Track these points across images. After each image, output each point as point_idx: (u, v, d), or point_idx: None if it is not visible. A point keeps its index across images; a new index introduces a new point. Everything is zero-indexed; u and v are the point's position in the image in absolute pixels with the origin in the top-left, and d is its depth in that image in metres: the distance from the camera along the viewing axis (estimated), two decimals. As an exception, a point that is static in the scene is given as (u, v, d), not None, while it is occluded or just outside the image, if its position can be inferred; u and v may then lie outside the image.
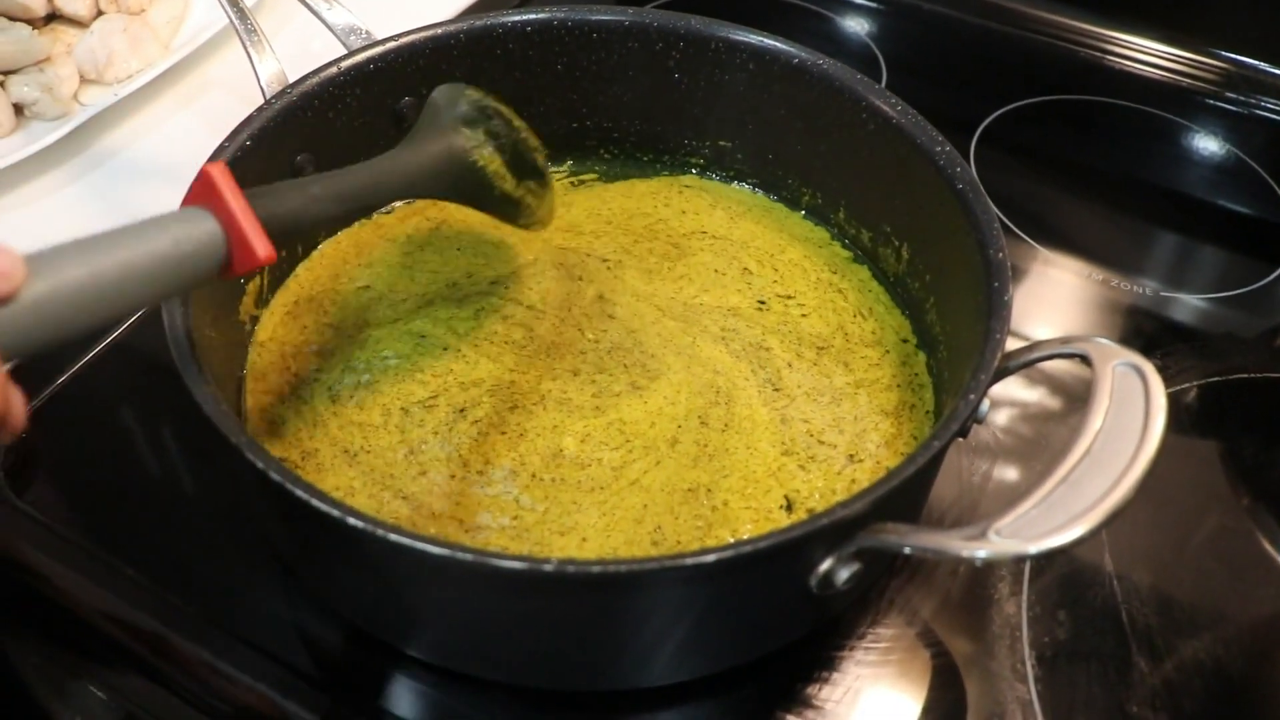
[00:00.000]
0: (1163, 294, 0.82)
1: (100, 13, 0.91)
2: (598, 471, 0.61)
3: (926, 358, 0.68)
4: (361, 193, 0.58)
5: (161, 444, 0.69)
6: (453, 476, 0.61)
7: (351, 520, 0.47)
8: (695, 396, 0.65)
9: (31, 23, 0.89)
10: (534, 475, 0.61)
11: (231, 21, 0.71)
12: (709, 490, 0.61)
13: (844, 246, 0.75)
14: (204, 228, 0.48)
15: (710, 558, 0.46)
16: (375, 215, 0.76)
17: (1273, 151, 0.96)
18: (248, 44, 0.70)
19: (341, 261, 0.73)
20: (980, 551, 0.45)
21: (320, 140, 0.69)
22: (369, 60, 0.70)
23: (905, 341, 0.69)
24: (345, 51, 0.70)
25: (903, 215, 0.70)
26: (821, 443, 0.63)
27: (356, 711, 0.57)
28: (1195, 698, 0.59)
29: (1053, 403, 0.73)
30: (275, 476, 0.48)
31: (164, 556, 0.63)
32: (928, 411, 0.65)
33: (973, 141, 0.93)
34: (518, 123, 0.67)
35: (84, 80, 0.89)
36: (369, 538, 0.47)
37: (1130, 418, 0.48)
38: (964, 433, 0.55)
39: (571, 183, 0.80)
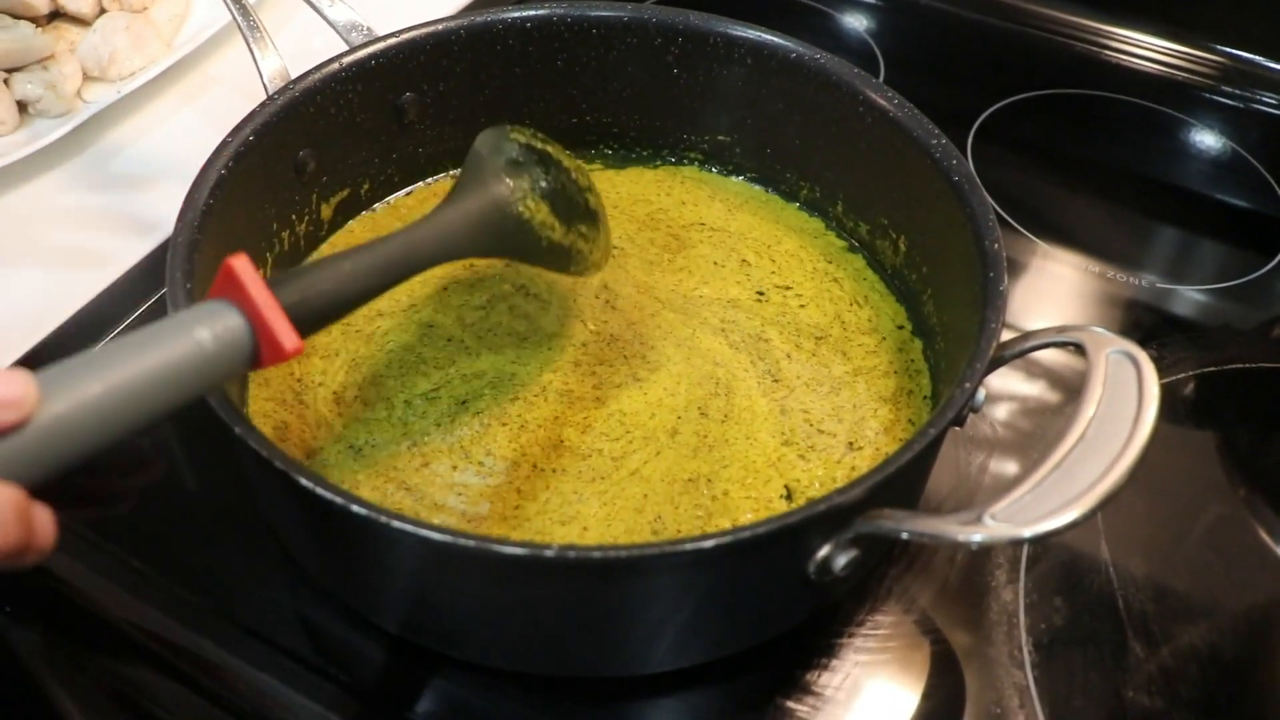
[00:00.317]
0: (1159, 286, 0.83)
1: (103, 10, 0.92)
2: (598, 462, 0.62)
3: (922, 344, 0.69)
4: (396, 264, 0.55)
5: (165, 442, 0.69)
6: (455, 468, 0.62)
7: (355, 508, 0.47)
8: (695, 388, 0.66)
9: (35, 20, 0.90)
10: (535, 466, 0.62)
11: (234, 18, 0.72)
12: (709, 480, 0.61)
13: (838, 236, 0.76)
14: (228, 324, 0.46)
15: (709, 543, 0.46)
16: (393, 199, 0.77)
17: (1269, 145, 0.97)
18: (250, 40, 0.71)
19: (375, 236, 0.74)
20: (976, 536, 0.46)
21: (322, 136, 0.69)
22: (370, 56, 0.70)
23: (901, 328, 0.70)
24: (347, 48, 0.71)
25: (900, 208, 0.71)
26: (821, 432, 0.64)
27: (358, 698, 0.57)
28: (1191, 683, 0.59)
29: (1050, 396, 0.74)
30: (279, 465, 0.49)
31: (169, 551, 0.63)
32: (925, 397, 0.66)
33: (970, 136, 0.94)
34: (567, 162, 0.64)
35: (87, 78, 0.89)
36: (372, 525, 0.47)
37: (1124, 404, 0.49)
38: (960, 421, 0.55)
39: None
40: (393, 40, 0.71)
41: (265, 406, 0.64)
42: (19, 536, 0.41)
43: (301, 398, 0.65)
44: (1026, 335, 0.57)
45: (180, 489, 0.67)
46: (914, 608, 0.62)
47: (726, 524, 0.59)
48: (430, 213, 0.59)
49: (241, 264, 0.47)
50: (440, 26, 0.72)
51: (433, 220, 0.58)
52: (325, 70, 0.68)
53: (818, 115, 0.73)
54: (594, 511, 0.60)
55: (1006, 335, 0.56)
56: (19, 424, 0.40)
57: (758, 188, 0.79)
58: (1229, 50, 1.02)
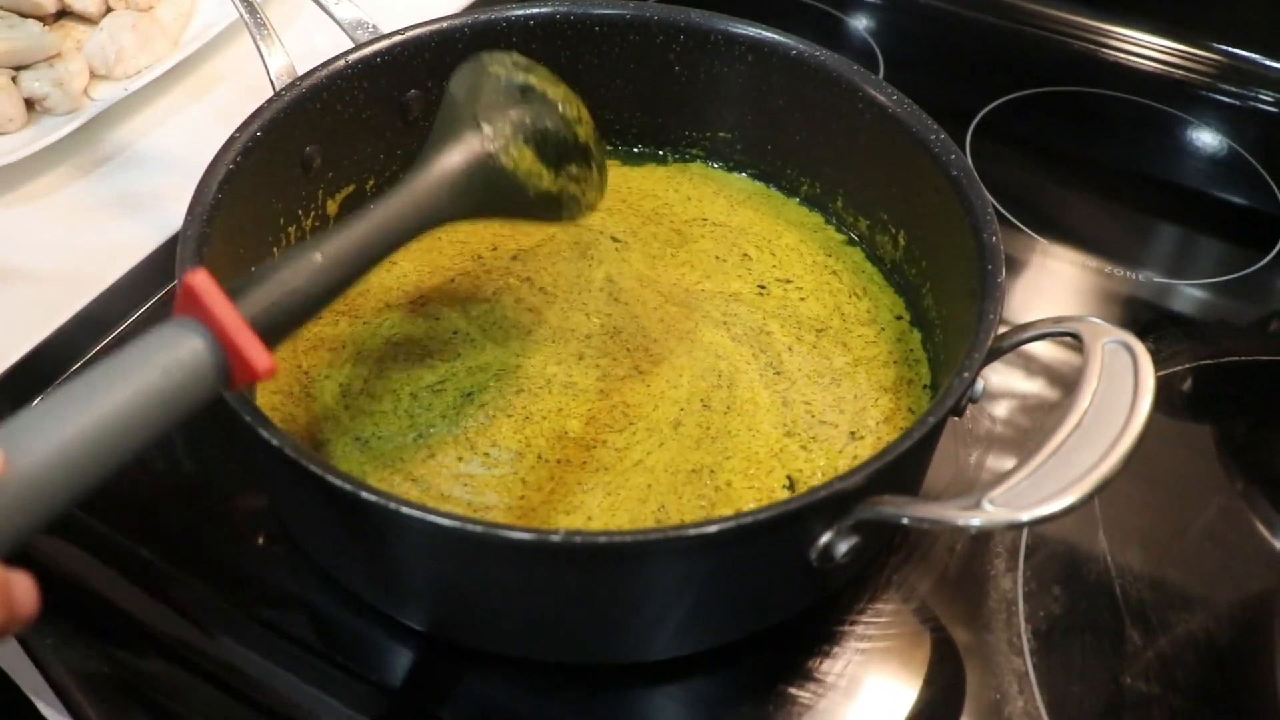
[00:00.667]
0: (1157, 281, 0.83)
1: (109, 9, 0.93)
2: (602, 453, 0.63)
3: (921, 334, 0.70)
4: (371, 246, 0.51)
5: (168, 439, 0.70)
6: (460, 459, 0.62)
7: (365, 494, 0.48)
8: (698, 380, 0.67)
9: (42, 19, 0.90)
10: (540, 457, 0.63)
11: (242, 16, 0.73)
12: (712, 471, 0.62)
13: (838, 230, 0.77)
14: (194, 348, 0.43)
15: (713, 528, 0.47)
16: None
17: (1267, 143, 0.98)
18: (257, 38, 0.72)
19: None
20: (975, 520, 0.46)
21: (328, 132, 0.70)
22: (376, 54, 0.71)
23: (899, 318, 0.71)
24: (352, 45, 0.72)
25: (899, 203, 0.71)
26: (823, 423, 0.65)
27: (367, 684, 0.58)
28: (1188, 669, 0.60)
29: (1047, 393, 0.74)
30: (290, 453, 0.49)
31: (182, 546, 0.64)
32: (924, 386, 0.67)
33: (969, 133, 0.94)
34: (553, 92, 0.59)
35: (94, 76, 0.90)
36: (382, 511, 0.48)
37: (1119, 392, 0.50)
38: (959, 411, 0.56)
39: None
40: (398, 38, 0.72)
41: (273, 400, 0.65)
42: (1, 615, 0.38)
43: (308, 390, 0.66)
44: (1024, 326, 0.58)
45: (190, 482, 0.68)
46: (914, 596, 0.62)
47: (729, 513, 0.60)
48: (404, 178, 0.54)
49: (201, 281, 0.43)
50: (445, 24, 0.73)
51: (408, 188, 0.54)
52: (332, 67, 0.69)
53: (818, 112, 0.74)
54: (598, 502, 0.60)
55: (1004, 329, 0.57)
56: None
57: (759, 184, 0.80)
58: (1227, 49, 1.03)
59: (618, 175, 0.80)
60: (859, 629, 0.61)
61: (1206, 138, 0.98)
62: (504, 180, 0.56)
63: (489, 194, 0.56)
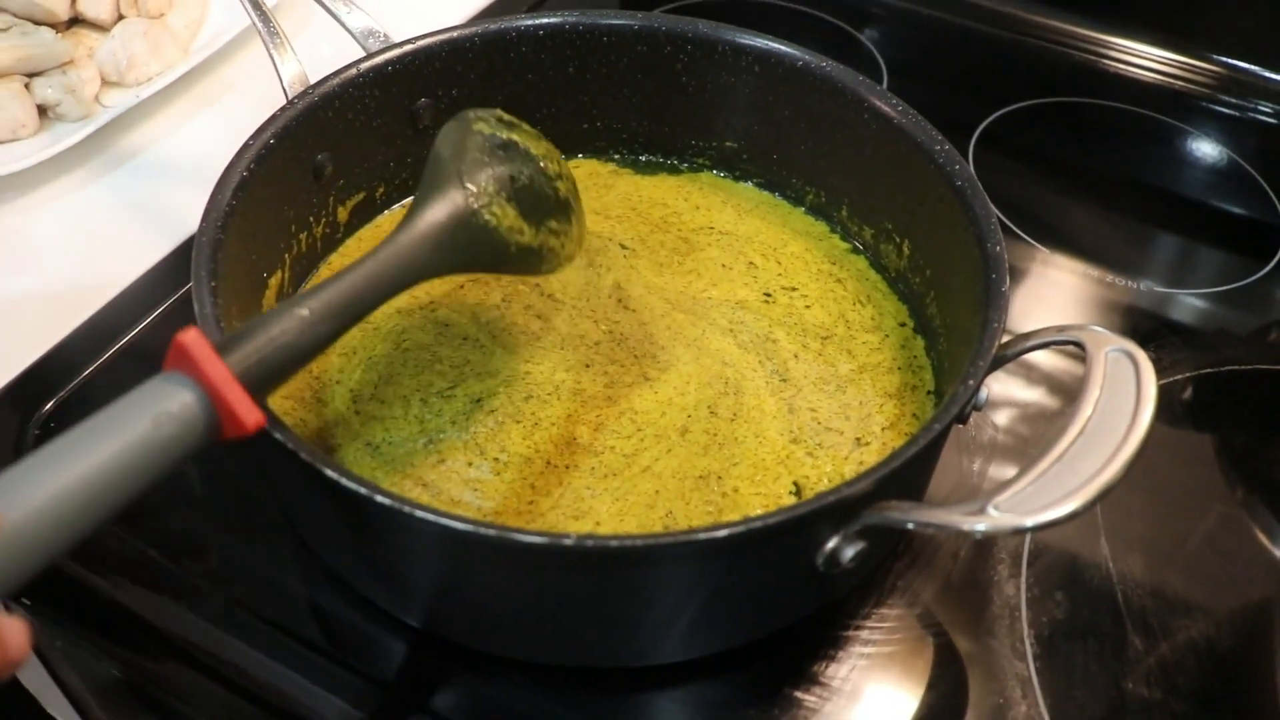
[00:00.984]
0: (1158, 291, 0.84)
1: (121, 17, 0.94)
2: (610, 459, 0.63)
3: (924, 341, 0.71)
4: (356, 302, 0.53)
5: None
6: (470, 464, 0.63)
7: (379, 498, 0.49)
8: (705, 387, 0.67)
9: (55, 26, 0.91)
10: (549, 462, 0.63)
11: (254, 24, 0.73)
12: (719, 477, 0.63)
13: (842, 239, 0.78)
14: (184, 402, 0.45)
15: (722, 533, 0.48)
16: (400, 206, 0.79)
17: (1266, 154, 0.98)
18: (270, 46, 0.73)
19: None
20: (980, 525, 0.47)
21: (340, 140, 0.71)
22: (387, 62, 0.72)
23: (903, 325, 0.72)
24: (364, 54, 0.72)
25: (903, 212, 0.72)
26: (829, 429, 0.65)
27: (377, 688, 0.59)
28: (1189, 675, 0.61)
29: (1049, 402, 0.75)
30: (305, 456, 0.50)
31: (187, 544, 0.65)
32: (929, 392, 0.67)
33: (971, 143, 0.95)
34: (535, 148, 0.61)
35: (106, 83, 0.91)
36: (396, 515, 0.49)
37: (1122, 400, 0.51)
38: (963, 418, 0.57)
39: (613, 170, 0.82)
40: (409, 47, 0.73)
41: (284, 405, 0.65)
42: None
43: (319, 396, 0.66)
44: (1028, 334, 0.58)
45: (198, 483, 0.68)
46: (918, 602, 0.63)
47: (737, 519, 0.61)
48: (392, 233, 0.56)
49: (193, 339, 0.45)
50: (455, 33, 0.74)
51: (394, 245, 0.56)
52: (344, 75, 0.70)
53: (823, 122, 0.75)
54: (606, 507, 0.61)
55: (1007, 338, 0.58)
56: None
57: (766, 193, 0.81)
58: (1226, 60, 1.04)
59: (629, 184, 0.81)
60: (863, 634, 0.61)
61: (1206, 148, 0.99)
62: (486, 236, 0.58)
63: (472, 250, 0.58)
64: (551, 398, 0.66)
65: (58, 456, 0.42)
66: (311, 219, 0.72)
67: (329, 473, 0.49)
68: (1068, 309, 0.83)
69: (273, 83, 0.72)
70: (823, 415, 0.66)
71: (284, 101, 0.68)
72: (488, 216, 0.58)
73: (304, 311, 0.50)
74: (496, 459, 0.63)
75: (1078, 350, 0.55)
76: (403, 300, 0.71)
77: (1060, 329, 0.57)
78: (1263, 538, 0.69)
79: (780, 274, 0.75)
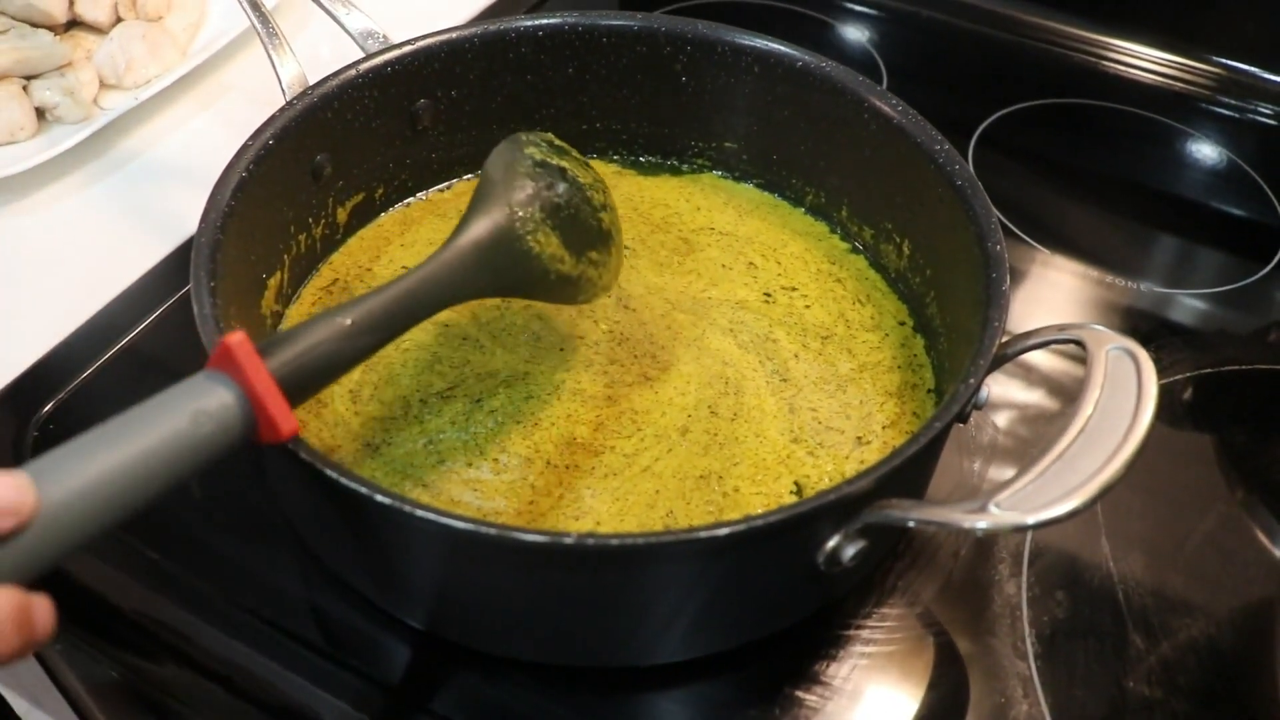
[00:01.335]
0: (1157, 291, 0.84)
1: (119, 19, 0.94)
2: (611, 459, 0.63)
3: (924, 340, 0.71)
4: (397, 316, 0.54)
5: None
6: (470, 465, 0.63)
7: (379, 497, 0.48)
8: (705, 387, 0.67)
9: (53, 29, 0.91)
10: (548, 462, 0.63)
11: (253, 25, 0.73)
12: (720, 477, 0.63)
13: (841, 238, 0.78)
14: (224, 402, 0.46)
15: (723, 531, 0.48)
16: (428, 193, 0.79)
17: (1265, 155, 0.98)
18: (269, 47, 0.73)
19: (384, 242, 0.75)
20: (981, 523, 0.47)
21: (339, 141, 0.71)
22: (386, 63, 0.72)
23: (902, 324, 0.72)
24: (363, 55, 0.72)
25: (903, 212, 0.72)
26: (829, 428, 0.65)
27: (378, 689, 0.59)
28: (1190, 674, 0.61)
29: (1049, 403, 0.75)
30: (305, 456, 0.50)
31: (188, 545, 0.64)
32: (929, 390, 0.67)
33: (971, 145, 0.95)
34: (584, 177, 0.62)
35: (104, 85, 0.91)
36: (395, 514, 0.49)
37: (1123, 398, 0.50)
38: (964, 417, 0.57)
39: (616, 171, 0.82)
40: (408, 48, 0.73)
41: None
42: (18, 643, 0.40)
43: (318, 397, 0.66)
44: (1029, 333, 0.58)
45: (198, 484, 0.68)
46: (919, 602, 0.63)
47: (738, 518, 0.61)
48: (435, 252, 0.57)
49: (239, 342, 0.46)
50: (454, 34, 0.74)
51: (438, 261, 0.56)
52: (343, 76, 0.70)
53: (823, 122, 0.75)
54: (607, 507, 0.61)
55: (1007, 338, 0.58)
56: (17, 530, 0.40)
57: (768, 194, 0.81)
58: (1226, 62, 1.04)
59: (632, 185, 0.81)
60: (864, 634, 0.61)
61: (1206, 150, 0.99)
62: (528, 262, 0.59)
63: (512, 273, 0.59)
64: (551, 398, 0.66)
65: (96, 445, 0.43)
66: (310, 220, 0.72)
67: (329, 473, 0.49)
68: (1068, 310, 0.83)
69: (272, 84, 0.72)
70: (823, 414, 0.66)
71: (283, 102, 0.68)
72: (531, 243, 0.58)
73: (346, 321, 0.51)
74: (496, 459, 0.63)
75: (1078, 349, 0.55)
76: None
77: (1061, 328, 0.57)
78: (1263, 537, 0.69)
79: (780, 274, 0.75)
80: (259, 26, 0.73)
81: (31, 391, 0.71)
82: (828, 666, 0.60)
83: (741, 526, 0.48)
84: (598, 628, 0.56)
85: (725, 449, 0.64)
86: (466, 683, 0.59)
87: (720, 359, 0.69)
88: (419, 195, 0.79)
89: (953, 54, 1.09)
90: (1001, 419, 0.73)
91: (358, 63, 0.71)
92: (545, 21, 0.76)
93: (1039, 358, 0.77)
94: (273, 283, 0.68)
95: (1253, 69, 1.03)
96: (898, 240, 0.73)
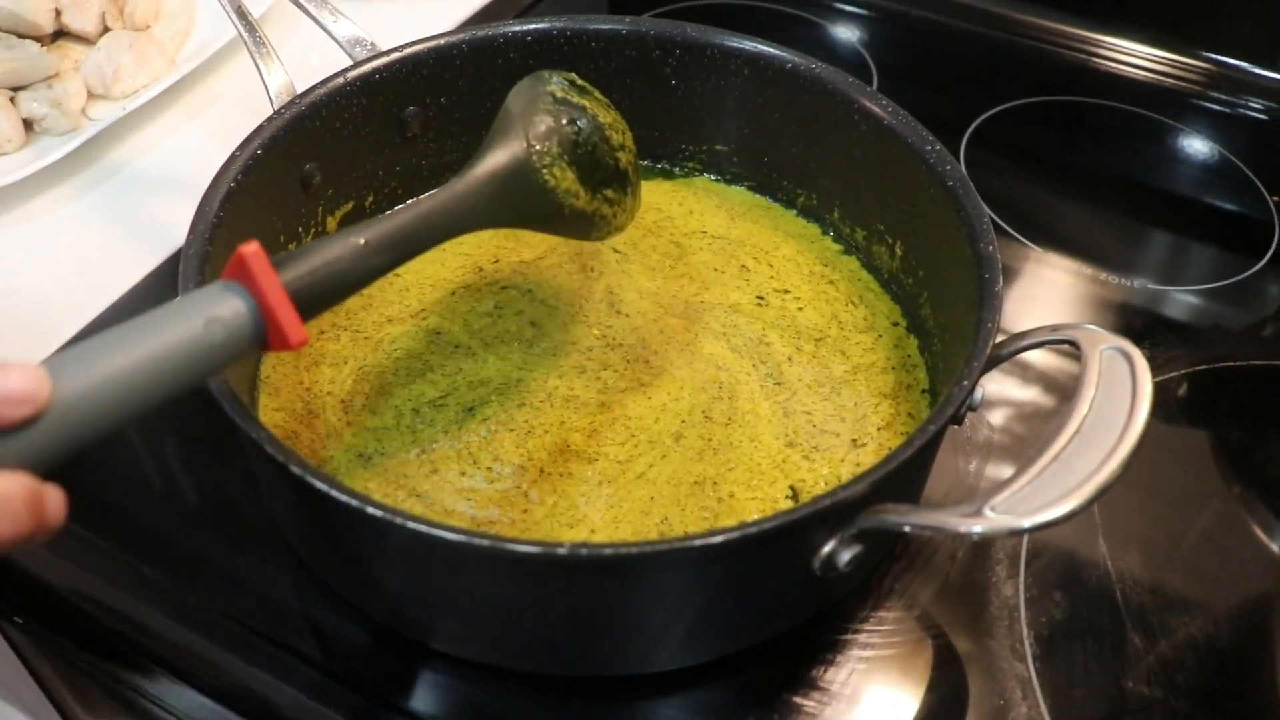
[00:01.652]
0: (1151, 288, 0.84)
1: (107, 29, 0.93)
2: (604, 466, 0.63)
3: (917, 340, 0.70)
4: (411, 237, 0.55)
5: (164, 455, 0.70)
6: (463, 474, 0.63)
7: (370, 509, 0.48)
8: (699, 392, 0.67)
9: (40, 40, 0.91)
10: (542, 470, 0.63)
11: (240, 34, 0.73)
12: (715, 483, 0.62)
13: (833, 240, 0.78)
14: (237, 310, 0.47)
15: (718, 539, 0.47)
16: (421, 199, 0.78)
17: (1256, 150, 0.98)
18: (256, 56, 0.72)
19: None
20: (977, 527, 0.47)
21: (327, 149, 0.71)
22: (374, 71, 0.71)
23: (895, 325, 0.72)
24: (350, 63, 0.72)
25: (895, 213, 0.72)
26: (824, 432, 0.65)
27: (372, 701, 0.58)
28: (1189, 673, 0.60)
29: (1044, 401, 0.75)
30: (295, 470, 0.50)
31: (176, 553, 0.64)
32: (923, 390, 0.67)
33: (962, 144, 0.95)
34: (604, 116, 0.62)
35: (92, 95, 0.91)
36: (387, 526, 0.48)
37: (1118, 399, 0.50)
38: (958, 419, 0.57)
39: None
40: (396, 55, 0.72)
41: (275, 417, 0.65)
42: (30, 526, 0.42)
43: (310, 406, 0.66)
44: (1022, 334, 0.58)
45: (186, 493, 0.68)
46: (916, 604, 0.63)
47: (733, 524, 0.60)
48: (451, 181, 0.58)
49: (253, 252, 0.47)
50: (442, 41, 0.74)
51: (452, 188, 0.57)
52: (330, 84, 0.70)
53: (813, 124, 0.74)
54: (601, 515, 0.61)
55: (1001, 337, 0.57)
56: (32, 418, 0.41)
57: (759, 196, 0.81)
58: (1216, 57, 1.04)
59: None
60: (862, 637, 0.61)
61: (1198, 145, 0.99)
62: (543, 195, 0.59)
63: (527, 205, 0.59)
64: (544, 405, 0.66)
65: (111, 344, 0.44)
66: (300, 229, 0.71)
67: (319, 485, 0.49)
68: (1061, 307, 0.82)
69: (259, 93, 0.71)
70: (818, 418, 0.66)
71: (271, 112, 0.68)
72: (547, 176, 0.59)
73: (360, 240, 0.52)
74: (490, 468, 0.63)
75: (1072, 349, 0.55)
76: (392, 309, 0.71)
77: (1054, 328, 0.57)
78: (1260, 533, 0.68)
79: (772, 276, 0.75)
80: (245, 35, 0.73)
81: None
82: (825, 671, 0.60)
83: (735, 534, 0.47)
84: (592, 637, 0.56)
85: (720, 454, 0.64)
86: (462, 694, 0.58)
87: (713, 363, 0.69)
88: (411, 201, 0.79)
89: (943, 53, 1.09)
90: (996, 417, 0.73)
91: (345, 70, 0.71)
92: (533, 26, 0.75)
93: (1034, 354, 0.77)
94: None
95: (1243, 64, 1.03)
96: (890, 241, 0.73)
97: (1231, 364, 0.78)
